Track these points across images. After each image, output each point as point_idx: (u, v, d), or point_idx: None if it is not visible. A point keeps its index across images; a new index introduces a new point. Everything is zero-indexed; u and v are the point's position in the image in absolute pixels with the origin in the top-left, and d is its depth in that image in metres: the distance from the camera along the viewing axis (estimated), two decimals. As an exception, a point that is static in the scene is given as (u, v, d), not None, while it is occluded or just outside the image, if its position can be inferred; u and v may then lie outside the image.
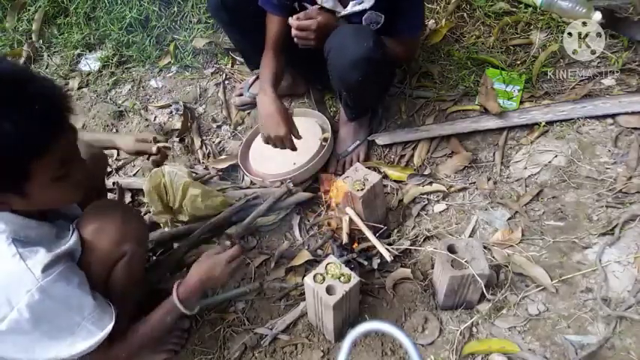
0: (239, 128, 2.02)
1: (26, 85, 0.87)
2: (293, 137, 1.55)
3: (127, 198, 1.82)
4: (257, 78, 1.96)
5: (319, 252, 1.57)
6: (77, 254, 1.07)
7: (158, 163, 1.38)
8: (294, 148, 1.57)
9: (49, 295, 0.96)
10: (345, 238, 1.46)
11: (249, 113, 2.04)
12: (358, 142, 1.78)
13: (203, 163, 1.91)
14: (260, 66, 1.62)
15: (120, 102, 2.16)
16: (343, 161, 1.78)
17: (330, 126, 1.82)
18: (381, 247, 1.39)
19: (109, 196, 1.68)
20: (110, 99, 2.18)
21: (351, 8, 1.51)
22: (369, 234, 1.44)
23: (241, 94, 2.05)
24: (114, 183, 1.74)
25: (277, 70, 1.60)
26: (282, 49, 1.62)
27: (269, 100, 1.53)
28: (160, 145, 1.36)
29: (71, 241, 1.05)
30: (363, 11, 1.51)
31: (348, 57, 1.45)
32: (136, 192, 1.84)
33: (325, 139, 1.77)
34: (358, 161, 1.74)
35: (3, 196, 0.92)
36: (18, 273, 0.95)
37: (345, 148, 1.78)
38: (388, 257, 1.37)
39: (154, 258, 1.58)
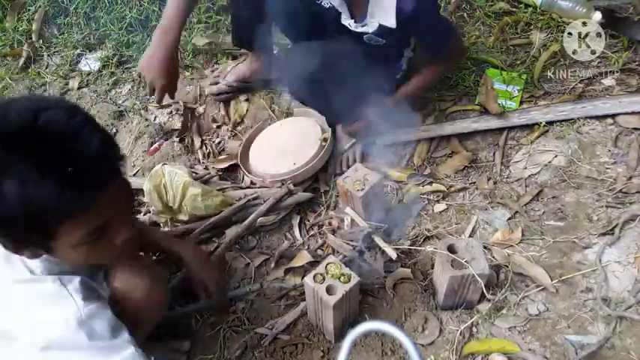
0: (239, 128, 2.02)
1: (72, 142, 0.78)
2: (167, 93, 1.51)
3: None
4: (234, 65, 1.99)
5: (319, 252, 1.57)
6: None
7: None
8: (159, 102, 1.52)
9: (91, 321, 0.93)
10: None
11: (247, 111, 2.04)
12: (354, 140, 1.78)
13: (203, 163, 1.91)
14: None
15: (120, 102, 2.16)
16: (340, 160, 1.78)
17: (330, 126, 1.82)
18: (385, 246, 1.40)
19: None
20: (110, 99, 2.17)
21: (353, 27, 1.53)
22: (371, 233, 1.44)
23: (217, 82, 2.04)
24: None
25: (188, 11, 1.48)
26: None
27: (164, 43, 1.42)
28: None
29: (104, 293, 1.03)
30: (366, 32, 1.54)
31: None
32: (136, 192, 1.83)
33: (325, 139, 1.77)
34: (355, 161, 1.74)
35: (28, 249, 0.87)
36: (59, 295, 0.92)
37: (342, 146, 1.79)
38: (393, 255, 1.38)
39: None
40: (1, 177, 0.74)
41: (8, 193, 0.74)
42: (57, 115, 0.79)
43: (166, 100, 1.55)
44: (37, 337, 0.91)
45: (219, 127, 2.05)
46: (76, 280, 0.95)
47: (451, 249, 1.26)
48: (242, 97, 2.06)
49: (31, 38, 2.41)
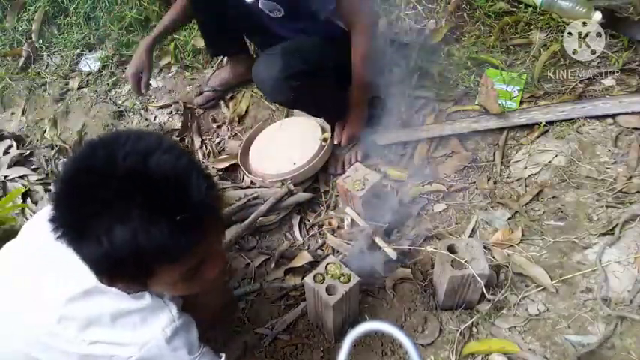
0: (239, 128, 2.02)
1: (179, 190, 0.77)
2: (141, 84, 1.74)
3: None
4: (214, 71, 2.04)
5: (319, 252, 1.57)
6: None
7: None
8: (135, 90, 1.77)
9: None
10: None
11: (247, 111, 2.04)
12: (354, 140, 1.78)
13: (203, 163, 1.91)
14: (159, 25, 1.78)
15: (120, 102, 2.16)
16: (342, 160, 1.78)
17: (330, 126, 1.82)
18: (385, 246, 1.40)
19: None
20: (110, 99, 2.17)
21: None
22: (372, 233, 1.44)
23: (201, 92, 2.06)
24: None
25: (172, 23, 1.79)
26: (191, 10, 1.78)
27: (143, 41, 1.76)
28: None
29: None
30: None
31: (267, 89, 1.55)
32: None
33: (325, 139, 1.77)
34: (357, 160, 1.74)
35: (126, 283, 0.87)
36: (157, 305, 0.94)
37: (342, 146, 1.79)
38: (393, 255, 1.38)
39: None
40: (113, 222, 0.74)
41: (118, 238, 0.74)
42: (164, 158, 0.78)
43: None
44: (133, 349, 0.91)
45: (219, 127, 2.05)
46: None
47: (451, 249, 1.26)
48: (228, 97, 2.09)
49: (31, 38, 2.41)
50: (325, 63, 1.57)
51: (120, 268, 0.80)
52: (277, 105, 2.00)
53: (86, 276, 0.83)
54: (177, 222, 0.75)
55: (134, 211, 0.74)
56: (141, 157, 0.76)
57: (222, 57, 2.15)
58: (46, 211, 1.04)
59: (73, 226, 0.76)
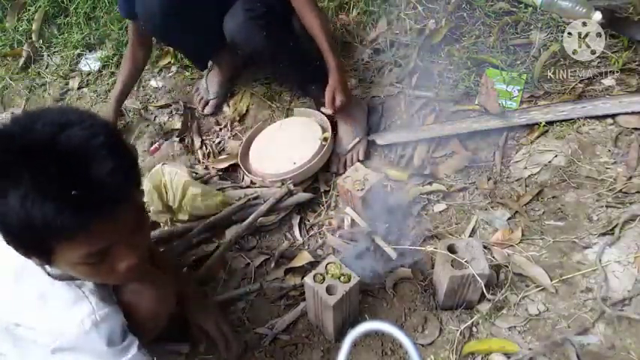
0: (239, 128, 2.02)
1: (83, 164, 0.77)
2: None
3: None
4: (206, 79, 2.06)
5: (319, 252, 1.57)
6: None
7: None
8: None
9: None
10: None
11: (247, 111, 2.04)
12: (358, 139, 1.78)
13: (203, 163, 1.91)
14: (119, 71, 1.88)
15: (120, 102, 2.16)
16: (344, 160, 1.78)
17: (330, 126, 1.82)
18: (385, 246, 1.40)
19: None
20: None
21: None
22: (371, 233, 1.44)
23: (207, 102, 2.06)
24: None
25: (127, 86, 1.96)
26: (142, 52, 1.91)
27: (110, 105, 1.94)
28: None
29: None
30: None
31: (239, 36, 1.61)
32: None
33: (325, 139, 1.77)
34: (358, 159, 1.74)
35: (33, 257, 0.87)
36: (75, 296, 0.94)
37: (344, 146, 1.78)
38: (393, 255, 1.38)
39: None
40: (9, 187, 0.75)
41: (10, 204, 0.75)
42: (78, 134, 0.78)
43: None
44: (49, 338, 0.92)
45: (219, 127, 2.05)
46: (91, 282, 0.96)
47: (451, 249, 1.26)
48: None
49: (31, 38, 2.41)
50: (284, 6, 1.63)
51: (20, 238, 0.81)
52: (276, 103, 2.00)
53: (15, 255, 0.85)
54: (69, 197, 0.75)
55: (26, 179, 0.75)
56: (56, 128, 0.77)
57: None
58: None
59: None
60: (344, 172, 1.63)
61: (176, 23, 1.70)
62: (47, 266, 0.93)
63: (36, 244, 0.82)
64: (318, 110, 1.88)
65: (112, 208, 0.81)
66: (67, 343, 0.92)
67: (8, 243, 0.83)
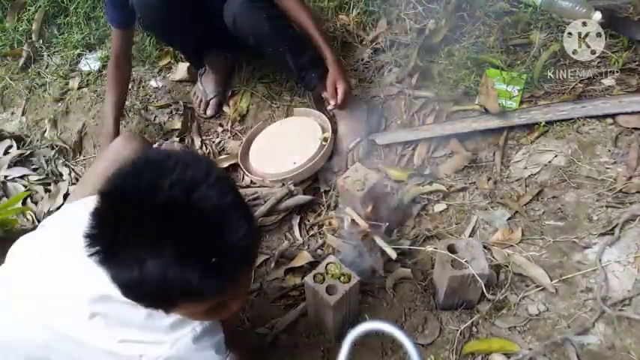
0: (239, 128, 2.02)
1: (217, 233, 0.74)
2: None
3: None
4: (201, 74, 2.06)
5: (319, 252, 1.57)
6: None
7: None
8: None
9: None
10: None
11: (248, 110, 2.04)
12: (359, 139, 1.78)
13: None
14: (106, 87, 1.84)
15: (120, 102, 2.16)
16: (345, 159, 1.78)
17: (330, 126, 1.82)
18: (385, 246, 1.40)
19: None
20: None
21: None
22: (372, 233, 1.44)
23: (208, 103, 2.06)
24: None
25: (120, 96, 1.89)
26: (127, 64, 1.90)
27: (106, 126, 1.85)
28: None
29: None
30: None
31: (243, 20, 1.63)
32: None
33: (325, 139, 1.77)
34: (360, 159, 1.74)
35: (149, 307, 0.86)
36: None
37: (346, 145, 1.78)
38: (393, 255, 1.37)
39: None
40: (147, 253, 0.71)
41: (148, 271, 0.71)
42: (209, 194, 0.74)
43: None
44: (159, 350, 0.91)
45: (219, 126, 2.05)
46: None
47: (451, 249, 1.26)
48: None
49: (31, 38, 2.41)
50: None
51: (144, 298, 0.79)
52: (277, 103, 2.00)
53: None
54: (210, 264, 0.72)
55: (168, 246, 0.71)
56: (185, 189, 0.72)
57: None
58: (71, 209, 1.05)
59: (107, 247, 0.74)
60: (345, 171, 1.63)
61: (176, 16, 1.70)
62: None
63: (161, 303, 0.80)
64: (318, 107, 1.88)
65: (244, 269, 0.82)
66: (179, 351, 0.90)
67: (126, 295, 0.79)
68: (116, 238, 0.73)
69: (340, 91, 1.70)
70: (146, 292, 0.75)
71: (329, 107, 1.77)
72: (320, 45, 1.68)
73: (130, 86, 2.21)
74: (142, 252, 0.71)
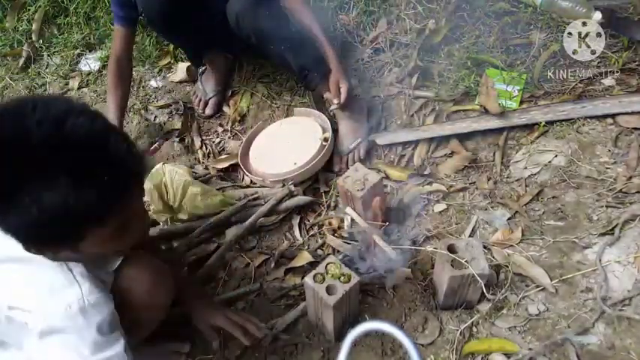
0: (239, 128, 2.02)
1: (101, 151, 0.79)
2: None
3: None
4: (201, 73, 2.07)
5: (319, 252, 1.57)
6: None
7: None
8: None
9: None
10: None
11: (248, 110, 2.04)
12: (360, 139, 1.78)
13: (203, 163, 1.91)
14: (107, 87, 1.78)
15: (120, 102, 2.16)
16: (346, 159, 1.78)
17: (330, 126, 1.82)
18: (385, 246, 1.39)
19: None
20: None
21: None
22: (372, 233, 1.44)
23: (207, 103, 2.06)
24: None
25: (123, 96, 1.85)
26: (129, 64, 1.86)
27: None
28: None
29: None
30: None
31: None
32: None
33: (325, 139, 1.77)
34: (360, 159, 1.74)
35: (51, 250, 0.88)
36: (64, 279, 0.94)
37: (347, 145, 1.78)
38: (393, 255, 1.37)
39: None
40: (41, 190, 0.75)
41: (47, 205, 0.75)
42: (81, 122, 0.78)
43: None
44: (37, 320, 0.92)
45: (219, 126, 2.05)
46: (82, 265, 0.96)
47: (451, 249, 1.26)
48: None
49: (31, 38, 2.41)
50: None
51: (49, 235, 0.82)
52: (277, 103, 2.00)
53: (12, 246, 0.84)
54: (103, 182, 0.78)
55: (59, 177, 0.75)
56: (54, 124, 0.76)
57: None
58: None
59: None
60: (346, 170, 1.63)
61: (179, 12, 1.70)
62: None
63: (67, 237, 0.84)
64: (318, 107, 1.88)
65: (136, 181, 0.88)
66: (54, 326, 0.92)
67: (31, 242, 0.83)
68: (4, 186, 0.76)
69: (343, 91, 1.70)
70: (51, 228, 0.79)
71: (332, 107, 1.77)
72: (323, 45, 1.70)
73: (130, 86, 2.22)
74: (35, 190, 0.75)
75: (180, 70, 2.17)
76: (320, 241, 1.59)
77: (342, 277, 1.22)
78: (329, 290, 1.20)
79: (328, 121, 1.83)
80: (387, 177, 1.71)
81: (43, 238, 0.82)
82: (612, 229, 1.41)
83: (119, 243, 0.92)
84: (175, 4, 1.67)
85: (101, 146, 0.79)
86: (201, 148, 1.97)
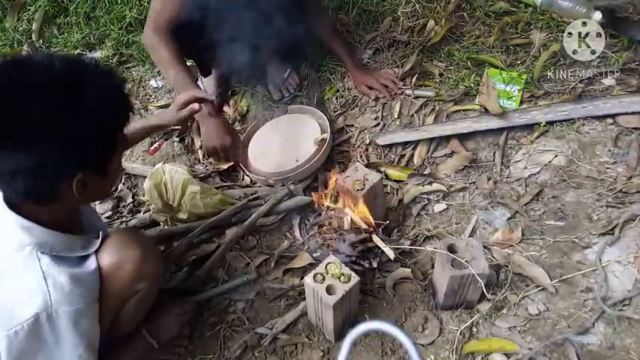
0: (239, 128, 2.02)
1: (109, 77, 0.99)
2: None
3: (129, 199, 1.81)
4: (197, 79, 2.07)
5: (319, 252, 1.57)
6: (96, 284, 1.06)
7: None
8: (234, 161, 1.80)
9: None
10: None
11: (248, 110, 2.04)
12: (289, 69, 1.92)
13: (203, 162, 1.91)
14: (180, 83, 1.67)
15: (120, 102, 2.16)
16: (285, 88, 1.96)
17: (329, 125, 1.82)
18: (384, 246, 1.39)
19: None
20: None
21: None
22: (371, 233, 1.44)
23: (211, 102, 2.04)
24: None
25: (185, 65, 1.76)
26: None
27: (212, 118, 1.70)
28: (200, 96, 1.44)
29: (91, 266, 1.06)
30: None
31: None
32: (137, 191, 1.84)
33: (323, 140, 1.77)
34: (296, 87, 1.96)
35: (86, 177, 0.96)
36: (35, 288, 0.95)
37: (281, 76, 1.93)
38: (392, 255, 1.37)
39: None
40: (78, 92, 0.90)
41: (88, 107, 0.91)
42: (37, 68, 0.92)
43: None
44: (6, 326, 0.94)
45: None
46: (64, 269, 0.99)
47: (451, 249, 1.26)
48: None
49: (31, 38, 2.41)
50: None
51: (52, 174, 0.91)
52: (277, 103, 2.01)
53: None
54: (119, 101, 1.00)
55: (89, 100, 0.91)
56: (68, 66, 0.93)
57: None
58: None
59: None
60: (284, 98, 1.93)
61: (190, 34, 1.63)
62: (25, 235, 0.98)
63: (107, 143, 1.00)
64: (318, 107, 1.89)
65: (123, 118, 1.03)
66: (21, 337, 0.94)
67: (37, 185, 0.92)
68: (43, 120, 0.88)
69: (390, 80, 1.90)
70: (54, 164, 0.90)
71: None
72: (341, 52, 1.95)
73: (130, 86, 2.22)
74: (73, 110, 0.90)
75: None
76: (320, 241, 1.59)
77: (342, 277, 1.22)
78: (329, 290, 1.20)
79: (327, 120, 1.83)
80: (387, 177, 1.71)
81: (83, 145, 0.93)
82: (612, 229, 1.41)
83: (116, 171, 1.07)
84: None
85: (105, 76, 0.98)
86: (201, 147, 1.97)
